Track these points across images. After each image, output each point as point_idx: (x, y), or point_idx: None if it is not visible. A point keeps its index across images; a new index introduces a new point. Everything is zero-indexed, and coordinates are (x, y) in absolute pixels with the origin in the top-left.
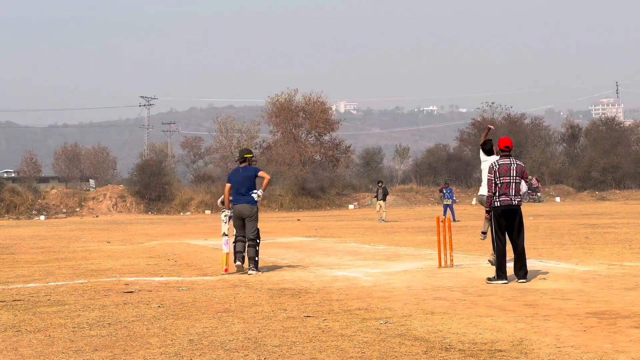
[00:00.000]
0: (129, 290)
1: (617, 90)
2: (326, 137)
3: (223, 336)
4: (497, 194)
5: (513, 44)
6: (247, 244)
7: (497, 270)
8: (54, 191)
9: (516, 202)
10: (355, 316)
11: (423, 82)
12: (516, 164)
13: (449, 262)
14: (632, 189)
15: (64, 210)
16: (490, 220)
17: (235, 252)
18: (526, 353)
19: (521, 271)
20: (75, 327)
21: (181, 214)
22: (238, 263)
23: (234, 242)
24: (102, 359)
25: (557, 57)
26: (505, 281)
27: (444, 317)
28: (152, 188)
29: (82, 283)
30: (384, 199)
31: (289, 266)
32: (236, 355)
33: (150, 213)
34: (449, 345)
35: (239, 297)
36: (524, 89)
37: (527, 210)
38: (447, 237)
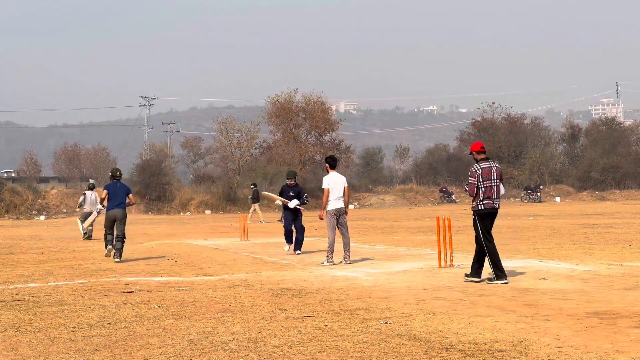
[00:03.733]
0: (129, 290)
1: (617, 90)
2: (326, 137)
3: (223, 336)
4: (481, 198)
5: (513, 44)
6: (116, 244)
7: (495, 270)
8: (54, 191)
9: (497, 205)
10: (356, 316)
11: (423, 82)
12: (495, 166)
13: (449, 262)
14: (632, 189)
15: (64, 210)
16: (474, 223)
17: (107, 241)
18: (526, 353)
19: (480, 269)
20: (75, 327)
21: (181, 214)
22: (110, 247)
23: (105, 235)
24: (102, 359)
25: (557, 57)
26: (506, 280)
27: (444, 317)
28: (152, 188)
29: (82, 283)
30: (257, 201)
31: (288, 266)
32: (236, 355)
33: (150, 213)
34: (449, 345)
35: (239, 297)
36: (524, 89)
37: (527, 210)
38: (447, 237)
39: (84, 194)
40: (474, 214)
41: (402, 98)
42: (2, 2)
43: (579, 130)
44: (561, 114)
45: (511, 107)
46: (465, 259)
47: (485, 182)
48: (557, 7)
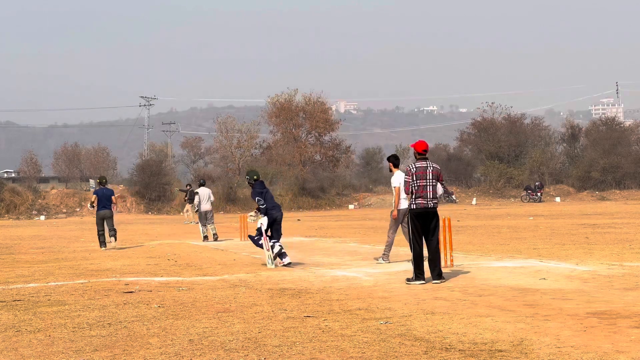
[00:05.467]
0: (129, 291)
1: (617, 90)
2: (326, 137)
3: (223, 336)
4: (414, 197)
5: (513, 43)
6: (110, 233)
7: (415, 271)
8: (54, 191)
9: (432, 204)
10: (356, 316)
11: (423, 82)
12: (432, 166)
13: (449, 262)
14: (632, 189)
15: (64, 211)
16: (406, 222)
17: (101, 242)
18: (526, 353)
19: (434, 272)
20: (75, 327)
21: (181, 214)
22: (104, 248)
23: (99, 235)
24: (102, 359)
25: (557, 57)
26: (423, 281)
27: (444, 317)
28: (152, 188)
29: (82, 283)
30: (192, 202)
31: (288, 266)
32: (236, 355)
33: (150, 213)
34: (449, 345)
35: (239, 297)
36: (524, 89)
37: (528, 210)
38: (447, 237)
39: (197, 192)
40: (408, 213)
41: (402, 98)
42: (2, 1)
43: (579, 130)
44: (561, 114)
45: (511, 107)
46: (465, 259)
47: (419, 182)
48: (557, 7)
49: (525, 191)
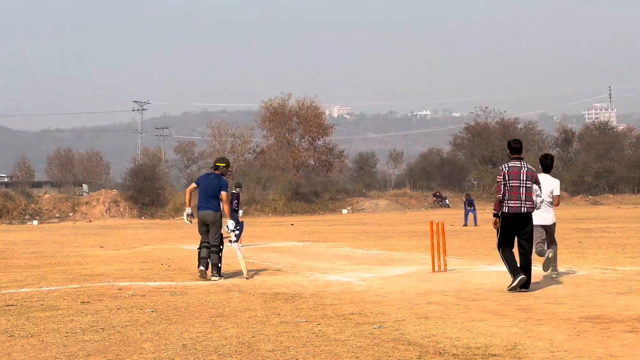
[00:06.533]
0: (130, 293)
1: (610, 95)
2: (320, 142)
3: (216, 341)
4: (506, 199)
5: (506, 48)
6: (210, 250)
7: (512, 275)
8: (47, 196)
9: (526, 209)
10: (349, 321)
11: (416, 86)
12: (527, 167)
13: (442, 267)
14: (625, 193)
15: (57, 215)
16: (498, 225)
17: (200, 258)
18: (520, 357)
19: (526, 282)
20: (68, 332)
21: (175, 218)
22: (201, 268)
23: (198, 248)
24: None
25: (551, 62)
26: (522, 275)
27: (438, 321)
28: (146, 193)
29: (75, 288)
30: None
31: (282, 271)
32: None
33: (143, 218)
34: (443, 349)
35: (233, 301)
36: (517, 94)
37: None
38: (441, 242)
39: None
40: (500, 216)
41: (395, 102)
42: None
43: (572, 134)
44: (554, 118)
45: (504, 112)
46: (458, 264)
47: (511, 182)
48: (551, 12)
49: None
